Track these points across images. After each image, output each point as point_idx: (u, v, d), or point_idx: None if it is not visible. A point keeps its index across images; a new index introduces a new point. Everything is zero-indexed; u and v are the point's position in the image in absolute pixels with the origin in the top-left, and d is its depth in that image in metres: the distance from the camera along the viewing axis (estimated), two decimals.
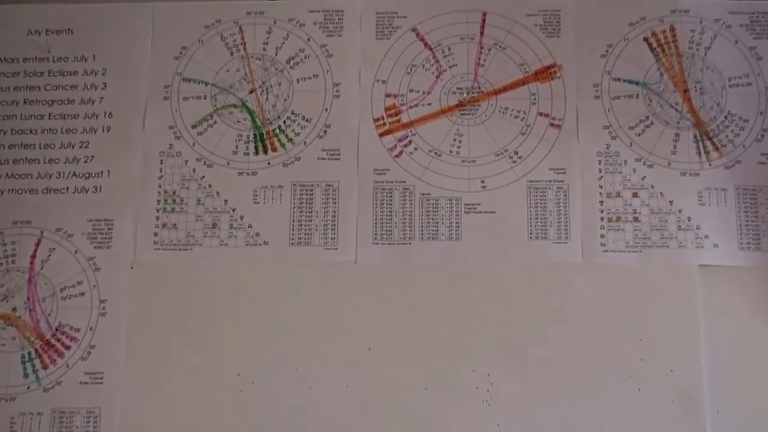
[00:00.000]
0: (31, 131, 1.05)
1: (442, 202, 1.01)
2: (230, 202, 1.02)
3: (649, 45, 1.03)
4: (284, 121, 1.04)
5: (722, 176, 1.00)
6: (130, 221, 1.02)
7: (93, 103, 1.05)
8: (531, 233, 1.00)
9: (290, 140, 1.03)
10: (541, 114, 1.02)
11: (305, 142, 1.03)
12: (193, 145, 1.04)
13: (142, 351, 0.99)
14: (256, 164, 1.03)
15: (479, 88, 1.04)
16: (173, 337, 0.99)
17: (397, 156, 1.02)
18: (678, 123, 1.01)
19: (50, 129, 1.05)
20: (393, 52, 1.05)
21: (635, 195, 1.00)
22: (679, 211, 0.99)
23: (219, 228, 1.02)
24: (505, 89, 1.04)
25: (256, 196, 1.02)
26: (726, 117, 1.02)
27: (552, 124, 1.02)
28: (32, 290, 1.00)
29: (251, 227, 1.01)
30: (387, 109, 1.04)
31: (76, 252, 1.01)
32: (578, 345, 0.97)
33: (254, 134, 1.04)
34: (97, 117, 1.05)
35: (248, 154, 1.03)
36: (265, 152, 1.03)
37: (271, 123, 1.04)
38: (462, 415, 0.95)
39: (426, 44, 1.05)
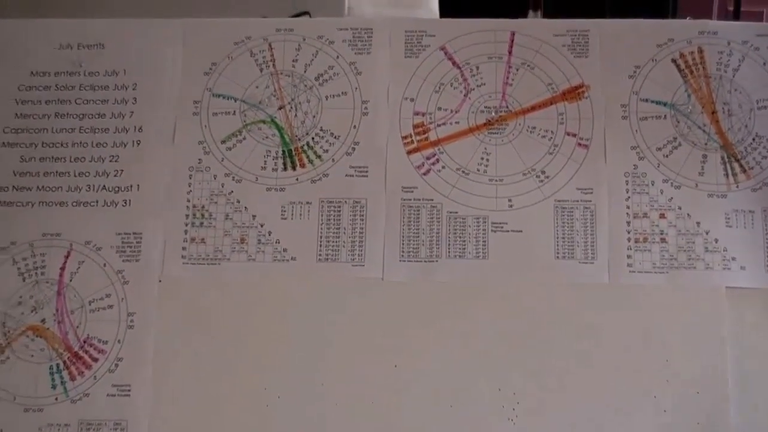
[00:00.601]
0: (61, 144, 1.08)
1: (469, 221, 1.04)
2: (258, 217, 1.05)
3: (677, 66, 1.06)
4: (313, 138, 1.07)
5: (749, 198, 1.03)
6: (158, 235, 1.05)
7: (123, 117, 1.09)
8: (558, 253, 1.02)
9: (318, 157, 1.06)
10: (568, 134, 1.05)
11: (333, 159, 1.06)
12: (222, 161, 1.07)
13: (169, 364, 1.02)
14: (284, 180, 1.06)
15: (507, 107, 1.07)
16: (200, 351, 1.02)
17: (424, 174, 1.05)
18: (705, 144, 1.04)
19: (81, 142, 1.08)
20: (422, 71, 1.08)
21: (662, 216, 1.03)
22: (707, 233, 1.02)
23: (247, 243, 1.05)
24: (533, 108, 1.07)
25: (284, 211, 1.05)
26: (754, 139, 1.04)
27: (579, 144, 1.05)
28: (61, 302, 1.03)
29: (279, 243, 1.04)
30: (415, 126, 1.07)
31: (104, 265, 1.04)
32: (604, 365, 0.99)
33: (283, 150, 1.07)
34: (127, 131, 1.08)
35: (277, 169, 1.06)
36: (294, 168, 1.06)
37: (299, 139, 1.07)
38: None
39: (454, 63, 1.08)
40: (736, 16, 1.32)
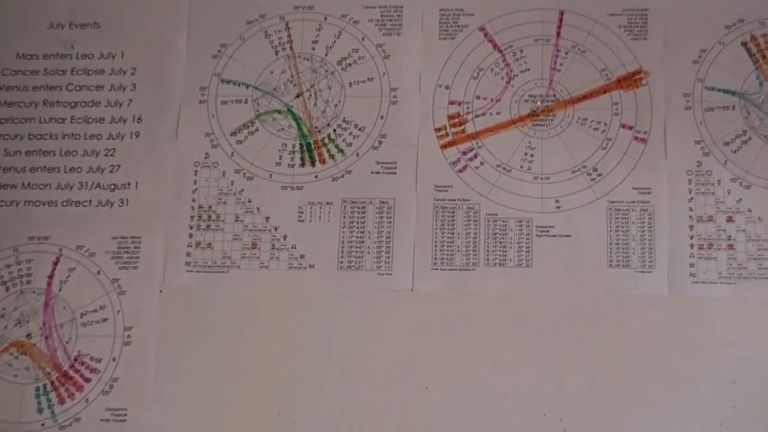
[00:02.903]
0: (51, 136, 1.07)
1: (510, 224, 1.03)
2: (272, 219, 1.04)
3: (748, 50, 1.05)
4: (334, 130, 1.06)
5: None
6: (159, 239, 1.04)
7: (121, 105, 1.08)
8: (611, 260, 1.01)
9: (341, 151, 1.05)
10: (624, 126, 1.04)
11: (357, 154, 1.05)
12: (232, 155, 1.06)
13: (170, 385, 1.01)
14: (301, 177, 1.05)
15: (555, 96, 1.06)
16: (206, 371, 1.01)
17: (460, 171, 1.04)
18: None
19: (72, 134, 1.07)
20: (458, 54, 1.07)
21: (730, 219, 1.02)
22: None
23: (259, 248, 1.04)
24: (583, 98, 1.05)
25: (302, 213, 1.04)
26: None
27: (636, 138, 1.04)
28: (49, 315, 1.02)
29: (295, 248, 1.03)
30: (450, 117, 1.06)
31: (98, 273, 1.03)
32: (663, 390, 0.98)
33: (300, 144, 1.06)
34: (125, 121, 1.07)
35: (293, 165, 1.05)
36: (313, 164, 1.05)
37: (319, 131, 1.06)
38: None
39: (495, 46, 1.07)
40: None
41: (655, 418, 0.97)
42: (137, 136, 1.06)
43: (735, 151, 1.03)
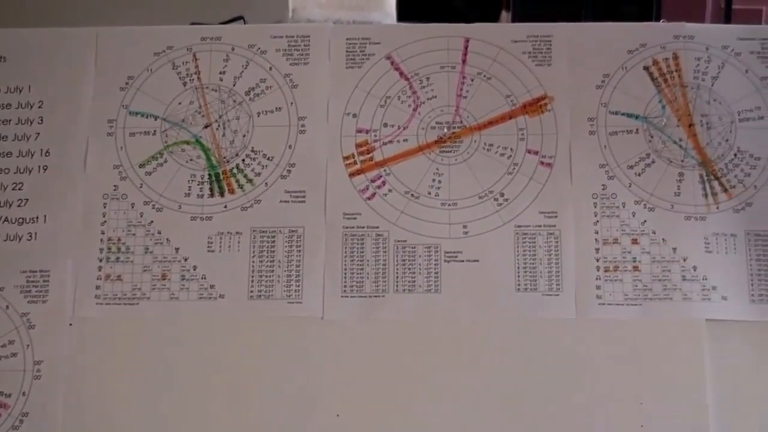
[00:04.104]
0: None
1: (419, 250, 1.08)
2: (182, 250, 1.09)
3: (650, 75, 1.11)
4: (243, 160, 1.11)
5: (731, 220, 1.07)
6: (68, 272, 1.08)
7: (28, 139, 1.12)
8: (519, 284, 1.07)
9: (249, 181, 1.10)
10: (530, 151, 1.10)
11: (266, 183, 1.10)
12: (141, 187, 1.10)
13: (82, 419, 1.04)
14: (211, 208, 1.09)
15: (461, 122, 1.11)
16: (118, 404, 1.04)
17: (369, 198, 1.09)
18: (682, 161, 1.09)
19: None
20: (365, 83, 1.12)
21: (635, 241, 1.08)
22: (684, 260, 1.07)
23: (169, 279, 1.08)
24: (490, 123, 1.11)
25: (211, 243, 1.09)
26: (735, 155, 1.09)
27: (542, 163, 1.09)
28: None
29: (205, 278, 1.08)
30: (358, 145, 1.11)
31: (7, 307, 1.07)
32: (572, 410, 1.03)
33: (209, 174, 1.10)
34: (32, 155, 1.11)
35: (202, 196, 1.10)
36: (222, 194, 1.10)
37: (228, 162, 1.11)
38: None
39: (402, 74, 1.12)
40: (728, 17, 1.38)
41: None
42: (45, 169, 1.10)
43: (639, 174, 1.09)
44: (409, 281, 1.06)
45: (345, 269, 1.07)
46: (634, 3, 1.39)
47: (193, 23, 1.18)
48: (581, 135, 1.10)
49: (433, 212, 1.08)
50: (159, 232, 1.08)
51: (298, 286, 1.06)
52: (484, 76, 1.11)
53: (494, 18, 1.46)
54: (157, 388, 1.05)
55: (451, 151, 1.09)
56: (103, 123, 1.12)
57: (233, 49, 1.13)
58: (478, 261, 1.06)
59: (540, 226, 1.07)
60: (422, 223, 1.08)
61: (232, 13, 1.28)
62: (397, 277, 1.07)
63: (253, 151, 1.10)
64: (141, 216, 1.09)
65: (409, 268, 1.07)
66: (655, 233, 1.07)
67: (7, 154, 1.11)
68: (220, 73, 1.13)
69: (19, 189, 1.10)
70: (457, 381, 1.04)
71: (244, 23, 1.20)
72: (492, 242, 1.07)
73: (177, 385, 1.05)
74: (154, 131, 1.11)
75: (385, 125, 1.11)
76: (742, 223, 1.07)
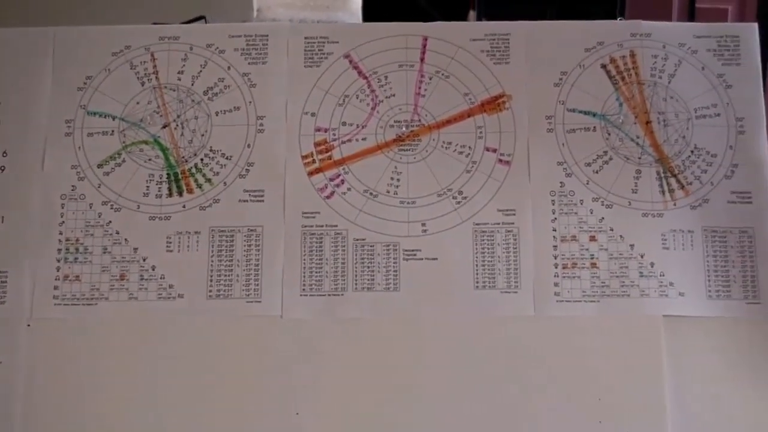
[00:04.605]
0: None
1: (378, 248, 1.09)
2: (140, 250, 1.10)
3: (608, 72, 1.13)
4: (201, 159, 1.12)
5: (688, 217, 1.09)
6: (26, 273, 1.09)
7: None
8: (477, 282, 1.08)
9: (208, 180, 1.11)
10: (488, 149, 1.11)
11: (225, 183, 1.11)
12: (99, 187, 1.11)
13: (40, 422, 1.05)
14: (169, 208, 1.10)
15: (420, 120, 1.12)
16: (77, 405, 1.05)
17: (328, 197, 1.10)
18: (639, 158, 1.11)
19: None
20: (323, 82, 1.14)
21: (592, 239, 1.09)
22: (641, 256, 1.08)
23: (128, 280, 1.09)
24: (448, 122, 1.12)
25: (170, 243, 1.09)
26: (692, 151, 1.11)
27: (500, 161, 1.11)
28: None
29: (164, 278, 1.09)
30: (317, 144, 1.12)
31: None
32: (530, 407, 1.05)
33: (168, 174, 1.11)
34: None
35: (161, 196, 1.11)
36: (180, 194, 1.11)
37: (186, 161, 1.12)
38: None
39: (360, 72, 1.14)
40: (692, 15, 1.40)
41: None
42: (2, 170, 1.11)
43: (597, 172, 1.10)
44: (368, 279, 1.07)
45: (304, 268, 1.08)
46: (599, 2, 1.40)
47: (154, 23, 1.17)
48: (539, 133, 1.11)
49: (392, 211, 1.10)
50: (117, 232, 1.09)
51: (257, 285, 1.07)
52: (443, 74, 1.12)
53: (462, 17, 1.47)
54: (116, 388, 1.06)
55: (409, 150, 1.11)
56: (60, 123, 1.12)
57: (191, 48, 1.14)
58: (436, 259, 1.08)
59: (498, 223, 1.08)
60: (381, 221, 1.09)
61: (195, 13, 1.28)
62: (356, 276, 1.08)
63: (211, 150, 1.11)
64: (99, 216, 1.10)
65: (368, 267, 1.08)
66: (612, 230, 1.08)
67: None
68: (179, 72, 1.14)
69: None
70: (415, 378, 1.05)
71: (206, 23, 1.20)
72: (450, 240, 1.09)
73: (135, 385, 1.06)
74: (113, 131, 1.12)
75: (344, 124, 1.12)
76: (699, 219, 1.08)
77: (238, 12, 1.34)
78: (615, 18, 1.33)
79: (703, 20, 1.36)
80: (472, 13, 1.47)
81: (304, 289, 1.08)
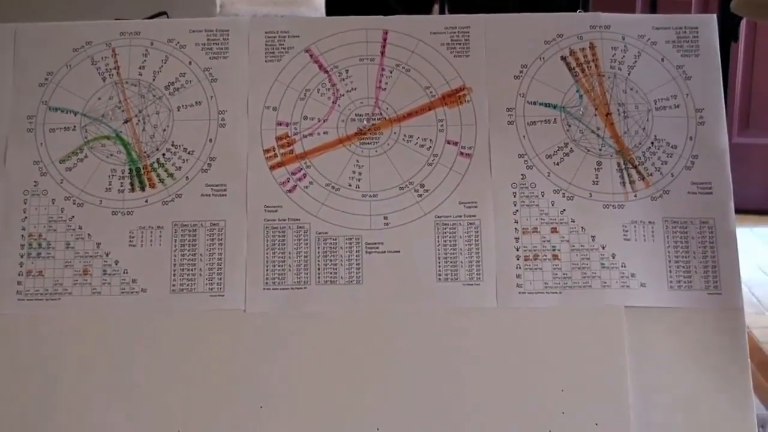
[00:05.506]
0: None
1: (340, 242, 1.11)
2: (103, 245, 1.11)
3: (567, 64, 1.15)
4: (163, 154, 1.13)
5: (649, 208, 1.11)
6: None
7: None
8: (440, 274, 1.10)
9: (170, 175, 1.13)
10: (449, 142, 1.13)
11: (187, 177, 1.12)
12: (61, 182, 1.12)
13: (4, 417, 1.06)
14: (132, 202, 1.12)
15: (381, 114, 1.14)
16: (41, 401, 1.06)
17: (290, 191, 1.12)
18: (600, 150, 1.13)
19: None
20: (284, 76, 1.15)
21: (554, 230, 1.11)
22: (603, 248, 1.10)
23: (91, 274, 1.10)
24: (409, 115, 1.14)
25: (133, 238, 1.11)
26: (652, 143, 1.13)
27: (462, 153, 1.13)
28: None
29: (127, 273, 1.10)
30: (278, 138, 1.14)
31: None
32: (494, 398, 1.06)
33: (130, 169, 1.13)
34: None
35: (123, 191, 1.12)
36: (142, 189, 1.12)
37: (148, 156, 1.13)
38: None
39: (321, 66, 1.15)
40: (653, 7, 1.42)
41: (487, 426, 1.06)
42: None
43: (557, 164, 1.12)
44: (330, 273, 1.09)
45: (267, 262, 1.10)
46: None
47: (117, 19, 1.19)
48: (500, 125, 1.13)
49: (354, 204, 1.11)
50: (80, 227, 1.11)
51: (220, 279, 1.09)
52: (403, 68, 1.14)
53: (426, 11, 1.49)
54: (80, 382, 1.07)
55: (371, 143, 1.13)
56: (22, 119, 1.14)
57: (152, 43, 1.16)
58: (399, 252, 1.09)
59: (460, 216, 1.10)
60: (343, 214, 1.11)
61: (157, 9, 1.29)
62: (319, 269, 1.09)
63: (173, 145, 1.13)
64: (62, 211, 1.11)
65: (331, 260, 1.09)
66: (574, 222, 1.10)
67: None
68: (140, 68, 1.15)
69: None
70: (379, 371, 1.07)
71: (168, 18, 1.21)
72: (413, 233, 1.11)
73: (99, 380, 1.07)
74: (74, 127, 1.14)
75: (305, 118, 1.14)
76: (659, 210, 1.10)
77: (200, 8, 1.35)
78: (577, 10, 1.34)
79: (666, 12, 1.38)
80: (436, 7, 1.49)
81: (267, 283, 1.09)
